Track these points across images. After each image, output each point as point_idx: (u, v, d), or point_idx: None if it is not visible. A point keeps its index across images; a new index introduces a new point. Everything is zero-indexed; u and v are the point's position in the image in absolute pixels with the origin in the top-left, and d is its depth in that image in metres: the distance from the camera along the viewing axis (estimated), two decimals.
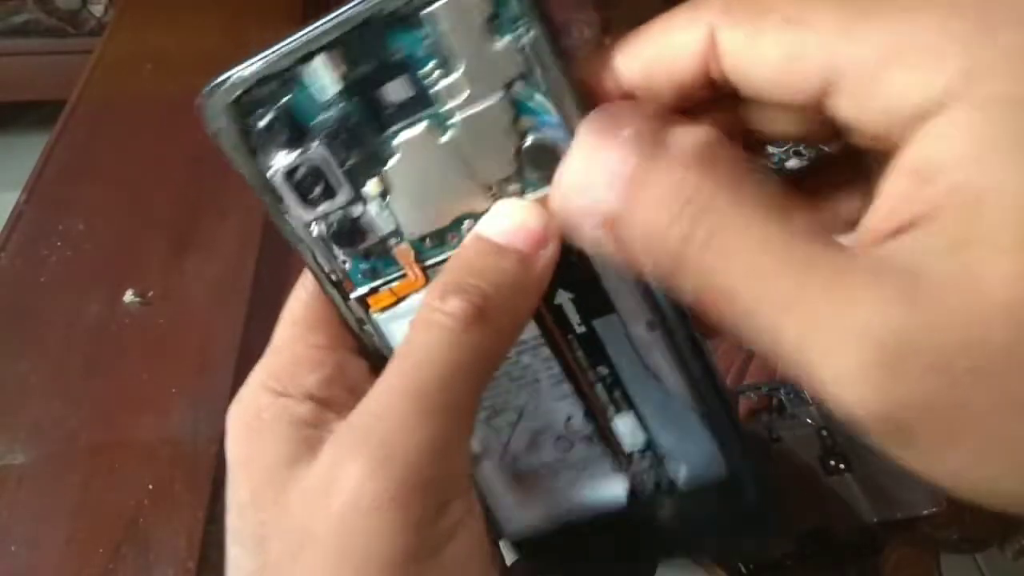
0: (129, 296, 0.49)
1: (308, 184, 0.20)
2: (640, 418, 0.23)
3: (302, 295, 0.22)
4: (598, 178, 0.17)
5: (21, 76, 1.47)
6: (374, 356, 0.22)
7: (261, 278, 0.51)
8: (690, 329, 0.22)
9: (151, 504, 0.40)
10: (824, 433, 0.43)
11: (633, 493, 0.24)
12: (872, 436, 0.15)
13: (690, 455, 0.23)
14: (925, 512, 0.40)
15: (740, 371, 0.43)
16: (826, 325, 0.14)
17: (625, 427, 0.23)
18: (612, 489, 0.24)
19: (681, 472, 0.24)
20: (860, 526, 0.36)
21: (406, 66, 0.19)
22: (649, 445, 0.23)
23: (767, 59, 0.16)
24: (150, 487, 0.41)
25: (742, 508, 0.24)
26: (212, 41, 0.70)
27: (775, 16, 0.16)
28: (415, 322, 0.19)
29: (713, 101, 0.19)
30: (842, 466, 0.40)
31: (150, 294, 0.50)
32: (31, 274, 0.51)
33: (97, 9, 1.42)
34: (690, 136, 0.17)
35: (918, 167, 0.15)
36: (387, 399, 0.18)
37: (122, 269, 0.51)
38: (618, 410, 0.23)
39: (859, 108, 0.15)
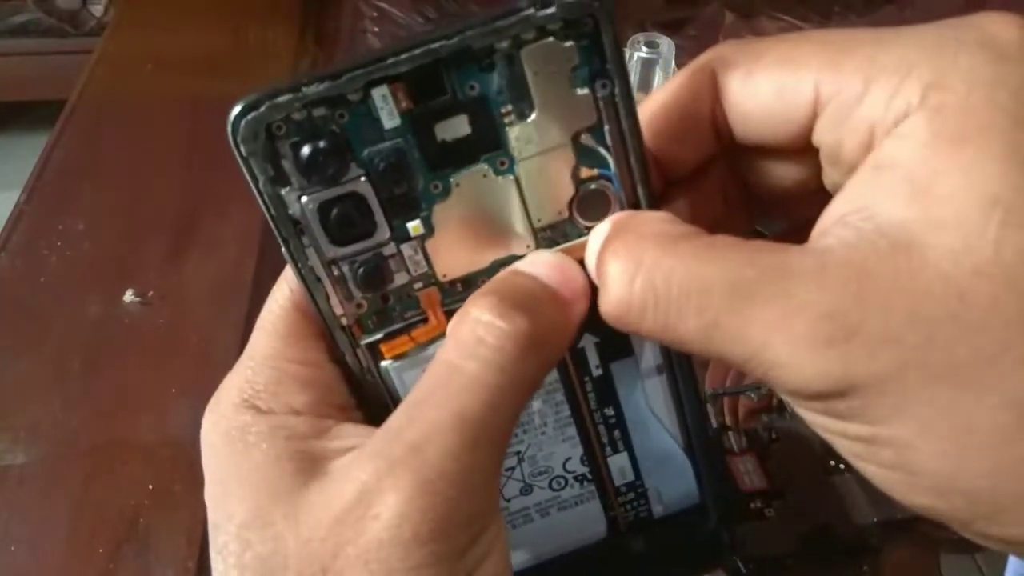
0: (129, 296, 0.49)
1: (343, 220, 0.19)
2: (632, 457, 0.24)
3: (281, 305, 0.21)
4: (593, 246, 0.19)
5: (21, 76, 1.47)
6: (375, 405, 0.21)
7: (261, 278, 0.51)
8: (691, 369, 0.23)
9: (151, 504, 0.40)
10: None
11: (613, 524, 0.25)
12: (821, 415, 0.16)
13: (671, 489, 0.25)
14: None
15: (741, 371, 0.43)
16: (774, 315, 0.16)
17: (618, 466, 0.24)
18: (594, 525, 0.25)
19: (660, 504, 0.25)
20: (860, 526, 0.36)
21: (478, 105, 0.18)
22: (635, 482, 0.24)
23: (761, 94, 0.18)
24: (150, 487, 0.41)
25: (705, 527, 0.25)
26: (212, 41, 0.70)
27: (769, 57, 0.18)
28: (457, 340, 0.18)
29: (720, 159, 0.21)
30: (842, 466, 0.40)
31: (150, 294, 0.50)
32: (31, 274, 0.51)
33: (97, 9, 1.42)
34: (642, 219, 0.19)
35: (877, 163, 0.16)
36: (429, 424, 0.17)
37: (122, 269, 0.51)
38: (615, 451, 0.23)
39: (841, 129, 0.17)
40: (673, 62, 0.52)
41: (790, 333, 0.15)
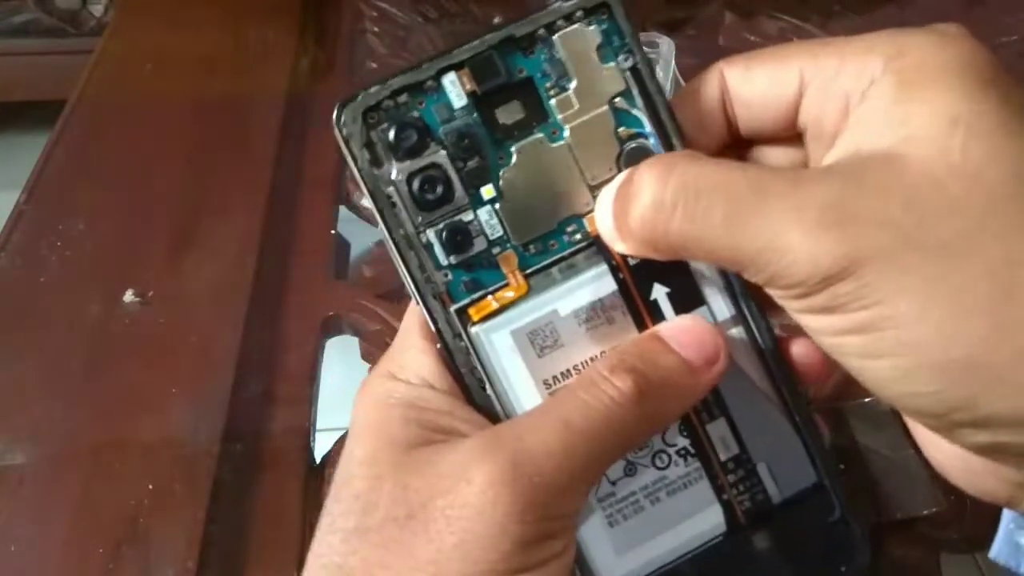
0: (129, 296, 0.49)
1: (427, 188, 0.22)
2: (731, 424, 0.24)
3: None
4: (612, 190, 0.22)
5: (21, 76, 1.47)
6: (465, 372, 0.23)
7: (261, 278, 0.51)
8: (769, 325, 0.24)
9: (151, 504, 0.40)
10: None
11: (731, 517, 0.24)
12: (823, 313, 0.19)
13: (779, 459, 0.24)
14: (925, 512, 0.40)
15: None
16: (788, 205, 0.18)
17: (719, 436, 0.24)
18: (710, 516, 0.24)
19: (772, 479, 0.24)
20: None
21: (526, 83, 0.23)
22: (741, 455, 0.24)
23: (757, 83, 0.22)
24: (150, 487, 0.41)
25: (829, 519, 0.24)
26: (212, 41, 0.70)
27: (763, 55, 0.22)
28: (582, 380, 0.21)
29: (731, 153, 0.24)
30: (842, 466, 0.40)
31: (150, 294, 0.50)
32: (31, 274, 0.51)
33: (97, 9, 1.43)
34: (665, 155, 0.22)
35: (856, 120, 0.20)
36: (535, 422, 0.21)
37: (122, 269, 0.51)
38: (711, 417, 0.24)
39: (822, 103, 0.21)
40: (673, 62, 0.52)
41: (802, 220, 0.18)
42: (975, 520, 0.40)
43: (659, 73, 0.51)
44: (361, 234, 0.56)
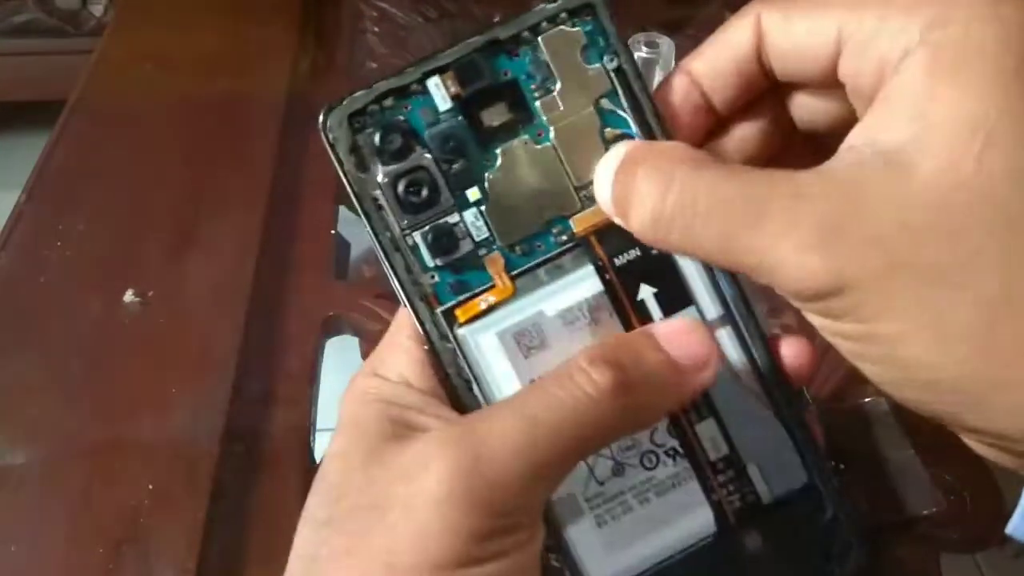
0: (129, 296, 0.49)
1: (412, 190, 0.22)
2: (721, 424, 0.24)
3: None
4: (608, 174, 0.22)
5: (21, 76, 1.47)
6: (452, 373, 0.23)
7: (261, 278, 0.51)
8: (758, 325, 0.23)
9: (151, 504, 0.40)
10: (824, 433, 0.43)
11: (721, 517, 0.24)
12: (821, 316, 0.19)
13: (770, 460, 0.24)
14: (925, 512, 0.40)
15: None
16: (780, 224, 0.18)
17: (708, 436, 0.24)
18: (700, 516, 0.24)
19: (763, 480, 0.24)
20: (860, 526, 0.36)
21: (511, 85, 0.23)
22: (731, 456, 0.24)
23: (795, 33, 0.21)
24: (150, 487, 0.40)
25: (822, 519, 0.24)
26: (212, 41, 0.70)
27: (802, 4, 0.21)
28: (558, 372, 0.20)
29: (762, 96, 0.23)
30: (842, 466, 0.41)
31: (150, 294, 0.50)
32: (31, 274, 0.51)
33: (97, 9, 1.43)
34: (665, 146, 0.22)
35: (885, 95, 0.19)
36: (506, 419, 0.20)
37: (122, 269, 0.51)
38: (700, 417, 0.24)
39: (859, 64, 0.19)
40: (673, 62, 0.52)
41: (792, 238, 0.18)
42: (975, 520, 0.40)
43: (659, 73, 0.51)
44: (361, 234, 0.55)
